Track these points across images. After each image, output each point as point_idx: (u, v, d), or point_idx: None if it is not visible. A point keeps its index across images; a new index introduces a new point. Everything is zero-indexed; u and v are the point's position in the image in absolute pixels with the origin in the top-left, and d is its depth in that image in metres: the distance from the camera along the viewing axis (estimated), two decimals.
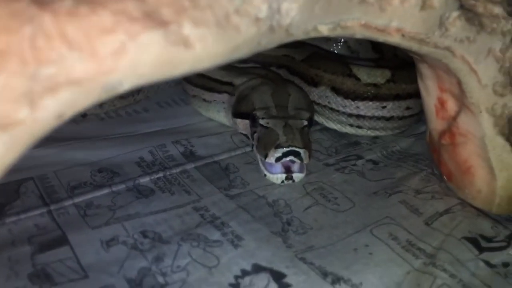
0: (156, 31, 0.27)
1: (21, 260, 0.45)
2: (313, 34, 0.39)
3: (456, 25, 0.45)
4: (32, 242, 0.47)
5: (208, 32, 0.30)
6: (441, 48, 0.46)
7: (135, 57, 0.27)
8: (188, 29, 0.29)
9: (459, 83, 0.50)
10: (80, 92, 0.26)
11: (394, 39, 0.44)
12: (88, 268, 0.45)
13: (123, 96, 0.74)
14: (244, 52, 0.34)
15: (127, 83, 0.28)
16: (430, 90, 0.55)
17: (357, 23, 0.41)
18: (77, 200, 0.54)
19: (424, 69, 0.54)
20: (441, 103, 0.55)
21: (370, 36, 0.43)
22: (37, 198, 0.54)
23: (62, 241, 0.48)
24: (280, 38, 0.36)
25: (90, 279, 0.43)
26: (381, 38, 0.43)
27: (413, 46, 0.45)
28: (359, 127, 0.69)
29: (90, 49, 0.26)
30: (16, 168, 0.58)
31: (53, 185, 0.56)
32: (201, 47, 0.29)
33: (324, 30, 0.40)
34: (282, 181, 0.56)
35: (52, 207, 0.52)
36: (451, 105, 0.54)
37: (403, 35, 0.43)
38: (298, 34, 0.38)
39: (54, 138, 0.65)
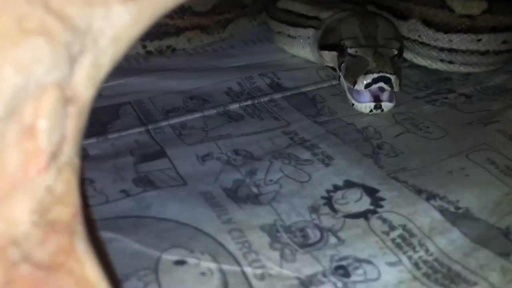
0: None
1: (125, 168, 0.48)
2: None
3: None
4: (134, 154, 0.50)
5: None
6: None
7: None
8: None
9: None
10: None
11: None
12: (187, 177, 0.47)
13: (209, 32, 0.76)
14: None
15: None
16: None
17: None
18: (172, 121, 0.56)
19: None
20: None
21: None
22: (135, 119, 0.57)
23: (161, 154, 0.50)
24: None
25: (188, 186, 0.46)
26: None
27: None
28: (451, 62, 0.66)
29: None
30: (114, 94, 0.62)
31: (148, 109, 0.59)
32: None
33: None
34: (371, 110, 0.56)
35: (150, 126, 0.55)
36: None
37: None
38: None
39: (147, 69, 0.68)
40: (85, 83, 0.25)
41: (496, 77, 0.66)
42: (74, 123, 0.26)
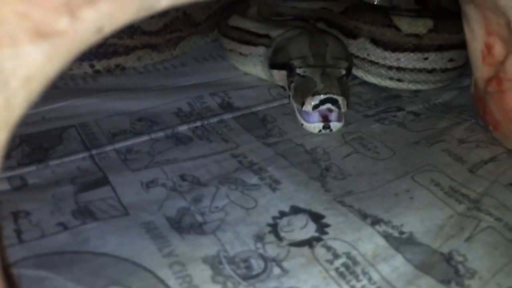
0: None
1: (64, 198, 0.46)
2: None
3: None
4: (75, 182, 0.48)
5: None
6: None
7: None
8: None
9: (508, 24, 0.48)
10: (118, 5, 0.26)
11: None
12: (129, 206, 0.45)
13: (160, 51, 0.74)
14: None
15: (165, 0, 0.27)
16: (477, 34, 0.53)
17: None
18: (117, 145, 0.54)
19: (471, 11, 0.52)
20: (488, 48, 0.53)
21: None
22: (79, 143, 0.55)
23: (103, 182, 0.49)
24: None
25: (131, 216, 0.44)
26: None
27: None
28: (399, 80, 0.67)
29: None
30: (59, 116, 0.60)
31: (94, 132, 0.57)
32: None
33: None
34: (320, 130, 0.55)
35: (94, 151, 0.53)
36: (499, 49, 0.52)
37: None
38: None
39: (95, 89, 0.66)
40: None
41: (443, 94, 0.67)
42: None
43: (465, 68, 0.69)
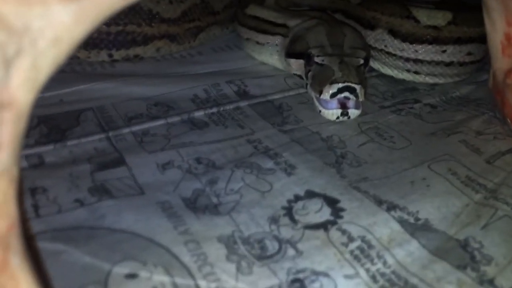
0: None
1: (81, 176, 0.46)
2: None
3: None
4: (92, 161, 0.49)
5: None
6: None
7: None
8: None
9: None
10: None
11: None
12: (145, 186, 0.46)
13: (180, 42, 0.74)
14: None
15: None
16: (497, 24, 0.52)
17: None
18: (134, 128, 0.55)
19: (492, 1, 0.51)
20: (508, 39, 0.52)
21: None
22: (96, 125, 0.55)
23: (120, 162, 0.49)
24: None
25: (146, 195, 0.44)
26: None
27: None
28: (416, 72, 0.67)
29: None
30: (77, 99, 0.61)
31: (111, 115, 0.57)
32: None
33: None
34: (337, 117, 0.55)
35: (110, 133, 0.53)
36: None
37: None
38: None
39: (112, 74, 0.67)
40: (23, 87, 0.24)
41: (461, 88, 0.66)
42: (10, 129, 0.24)
43: (483, 63, 0.69)
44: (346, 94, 0.54)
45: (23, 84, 0.24)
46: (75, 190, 0.44)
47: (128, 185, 0.46)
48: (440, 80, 0.67)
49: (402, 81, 0.68)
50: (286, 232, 0.41)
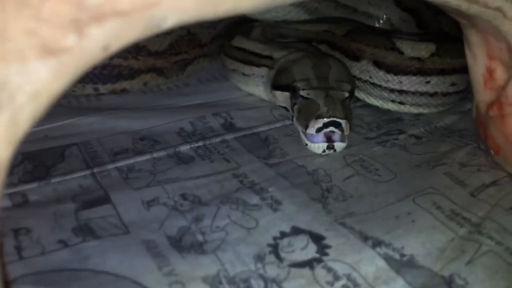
0: None
1: (65, 215, 0.46)
2: None
3: None
4: (76, 200, 0.48)
5: None
6: (492, 8, 0.44)
7: None
8: None
9: (510, 48, 0.48)
10: (125, 23, 0.26)
11: None
12: (130, 224, 0.45)
13: (167, 76, 0.75)
14: None
15: (170, 19, 0.28)
16: (478, 58, 0.53)
17: None
18: (119, 164, 0.55)
19: (472, 36, 0.52)
20: (490, 72, 0.53)
21: None
22: (80, 161, 0.55)
23: (104, 199, 0.49)
24: None
25: (131, 234, 0.44)
26: None
27: (462, 5, 0.43)
28: (401, 103, 0.67)
29: None
30: (62, 134, 0.60)
31: (96, 150, 0.57)
32: None
33: None
34: (324, 150, 0.56)
35: (95, 170, 0.53)
36: (500, 74, 0.52)
37: None
38: None
39: (98, 108, 0.67)
40: (1, 142, 0.24)
41: (445, 118, 0.67)
42: None
43: (466, 92, 0.70)
44: (332, 128, 0.54)
45: (2, 139, 0.24)
46: (59, 230, 0.44)
47: (113, 223, 0.45)
48: (425, 110, 0.68)
49: (387, 111, 0.69)
50: (271, 270, 0.41)
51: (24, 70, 0.24)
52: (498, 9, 0.44)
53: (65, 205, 0.48)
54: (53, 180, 0.51)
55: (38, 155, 0.56)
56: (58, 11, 0.24)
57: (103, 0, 0.25)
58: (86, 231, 0.44)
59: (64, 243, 0.43)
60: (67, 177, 0.52)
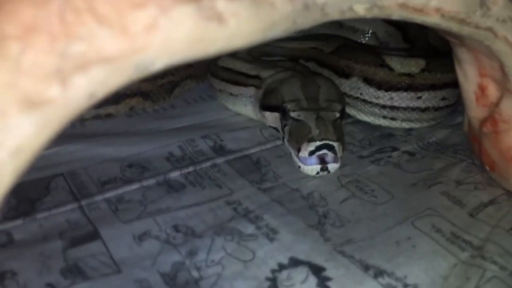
0: (189, 5, 0.26)
1: (52, 255, 0.44)
2: (348, 15, 0.37)
3: (498, 3, 0.43)
4: (64, 237, 0.46)
5: (242, 7, 0.28)
6: (483, 29, 0.43)
7: (167, 33, 0.26)
8: (221, 4, 0.27)
9: (502, 67, 0.48)
10: (111, 70, 0.24)
11: (432, 19, 0.41)
12: (121, 262, 0.43)
13: (154, 100, 0.73)
14: (279, 30, 0.32)
15: (159, 62, 0.26)
16: (469, 76, 0.53)
17: (394, 2, 0.39)
18: (107, 195, 0.53)
19: (463, 54, 0.52)
20: (482, 89, 0.53)
21: (407, 16, 0.40)
22: (67, 193, 0.53)
23: (94, 236, 0.47)
24: (315, 17, 0.35)
25: (123, 273, 0.42)
26: (419, 19, 0.41)
27: (453, 27, 0.42)
28: (393, 118, 0.66)
29: (121, 25, 0.24)
30: (46, 164, 0.58)
31: (83, 180, 0.55)
32: (235, 23, 0.28)
33: (360, 10, 0.38)
34: (317, 173, 0.54)
35: (83, 202, 0.51)
36: (493, 91, 0.51)
37: (442, 15, 0.41)
38: (334, 14, 0.36)
39: (82, 135, 0.65)
40: None
41: (437, 132, 0.66)
42: None
43: (457, 105, 0.69)
44: (325, 151, 0.53)
45: None
46: (46, 273, 0.42)
47: (104, 262, 0.43)
48: (416, 125, 0.67)
49: (378, 127, 0.68)
50: None
51: (4, 125, 0.22)
52: (489, 29, 0.43)
53: (52, 243, 0.46)
54: (39, 216, 0.49)
55: (22, 188, 0.53)
56: (40, 62, 0.22)
57: (86, 47, 0.24)
58: (75, 272, 0.42)
59: (52, 287, 0.40)
60: (54, 211, 0.50)
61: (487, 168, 0.55)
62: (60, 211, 0.50)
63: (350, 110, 0.68)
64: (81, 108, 0.25)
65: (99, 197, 0.52)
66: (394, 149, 0.62)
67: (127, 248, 0.45)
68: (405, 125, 0.67)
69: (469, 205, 0.51)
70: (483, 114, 0.53)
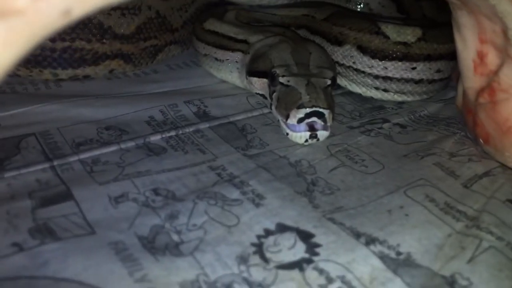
0: None
1: (21, 214, 0.40)
2: None
3: None
4: (33, 196, 0.43)
5: None
6: None
7: None
8: None
9: (504, 31, 0.45)
10: None
11: None
12: (95, 224, 0.40)
13: (136, 64, 0.69)
14: None
15: None
16: (469, 42, 0.50)
17: None
18: (82, 156, 0.49)
19: (463, 18, 0.49)
20: (481, 57, 0.50)
21: None
22: (39, 153, 0.49)
23: (66, 196, 0.43)
24: None
25: (97, 235, 0.39)
26: None
27: None
28: (385, 90, 0.64)
29: None
30: (16, 124, 0.54)
31: (56, 141, 0.52)
32: None
33: None
34: (306, 140, 0.52)
35: (56, 162, 0.48)
36: (492, 58, 0.49)
37: None
38: None
39: (57, 95, 0.61)
40: None
41: (428, 106, 0.64)
42: None
43: (449, 80, 0.67)
44: (314, 119, 0.50)
45: None
46: (13, 232, 0.39)
47: (76, 223, 0.40)
48: (409, 98, 0.65)
49: (370, 99, 0.65)
50: (257, 273, 0.37)
51: None
52: None
53: (21, 202, 0.42)
54: (7, 175, 0.46)
55: None
56: None
57: None
58: (44, 232, 0.39)
59: (19, 247, 0.37)
60: (23, 170, 0.46)
61: (481, 141, 0.53)
62: (30, 171, 0.46)
63: (341, 81, 0.65)
64: (55, 26, 0.22)
65: (73, 158, 0.49)
66: (385, 120, 0.60)
67: (102, 209, 0.42)
68: (397, 97, 0.64)
69: (463, 176, 0.49)
70: (480, 84, 0.51)
